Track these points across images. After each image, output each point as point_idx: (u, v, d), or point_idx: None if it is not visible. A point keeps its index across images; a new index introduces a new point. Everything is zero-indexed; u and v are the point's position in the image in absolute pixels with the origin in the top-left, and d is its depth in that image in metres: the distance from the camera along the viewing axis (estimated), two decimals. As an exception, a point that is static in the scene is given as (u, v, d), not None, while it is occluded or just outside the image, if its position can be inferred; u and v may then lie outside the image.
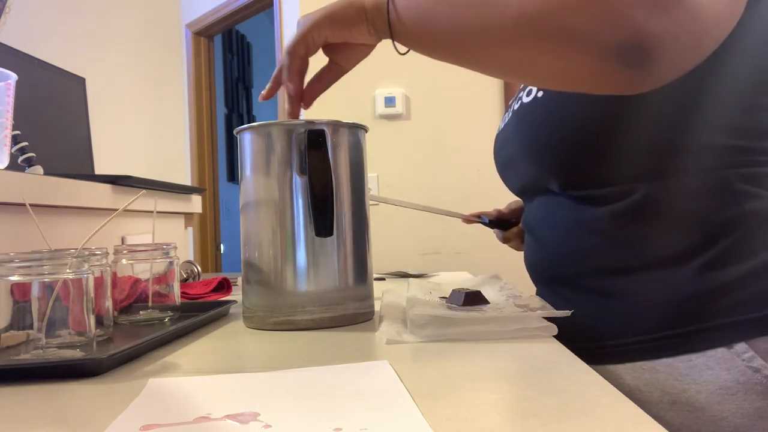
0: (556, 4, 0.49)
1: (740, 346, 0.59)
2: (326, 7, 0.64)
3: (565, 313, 0.59)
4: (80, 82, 1.55)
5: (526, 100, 0.73)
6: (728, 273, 0.62)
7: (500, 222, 1.07)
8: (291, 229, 0.67)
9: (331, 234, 0.66)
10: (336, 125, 0.69)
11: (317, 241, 0.67)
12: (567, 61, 0.52)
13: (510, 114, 0.79)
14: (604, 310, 0.67)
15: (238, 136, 0.72)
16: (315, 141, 0.66)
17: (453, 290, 0.71)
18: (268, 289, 0.68)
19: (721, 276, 0.62)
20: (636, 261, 0.65)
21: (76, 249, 0.54)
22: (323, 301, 0.67)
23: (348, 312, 0.68)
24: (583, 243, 0.70)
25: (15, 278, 0.50)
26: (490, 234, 1.13)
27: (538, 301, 0.66)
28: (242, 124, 0.74)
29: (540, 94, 0.70)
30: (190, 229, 2.47)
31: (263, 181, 0.69)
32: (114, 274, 0.70)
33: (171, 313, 0.73)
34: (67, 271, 0.51)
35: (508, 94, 2.27)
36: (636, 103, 0.59)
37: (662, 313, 0.64)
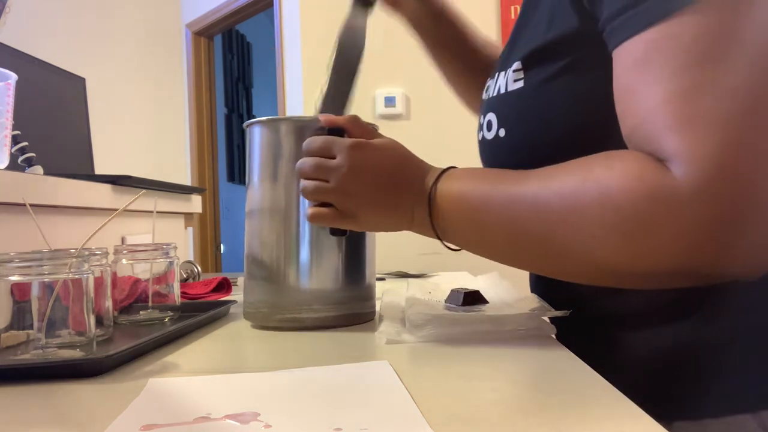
0: (603, 248, 0.46)
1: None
2: (374, 214, 0.60)
3: (564, 312, 0.58)
4: (80, 82, 1.55)
5: (488, 135, 0.65)
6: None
7: None
8: (302, 227, 0.66)
9: (345, 234, 0.65)
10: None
11: (326, 240, 0.66)
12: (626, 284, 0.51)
13: (478, 135, 0.70)
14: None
15: (247, 129, 0.70)
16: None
17: (452, 290, 0.71)
18: (274, 285, 0.67)
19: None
20: (636, 308, 0.58)
21: (76, 249, 0.54)
22: (329, 300, 0.66)
23: (353, 311, 0.68)
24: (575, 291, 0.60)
25: (15, 278, 0.50)
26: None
27: (536, 301, 0.66)
28: (242, 124, 0.74)
29: (502, 133, 0.63)
30: (190, 229, 2.47)
31: (273, 176, 0.68)
32: (114, 274, 0.70)
33: (171, 313, 0.73)
34: (67, 271, 0.51)
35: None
36: (607, 144, 0.51)
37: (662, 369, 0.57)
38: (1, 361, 0.49)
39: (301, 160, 0.61)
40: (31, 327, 0.50)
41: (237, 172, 5.27)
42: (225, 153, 5.00)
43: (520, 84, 0.60)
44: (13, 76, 0.93)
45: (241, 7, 3.26)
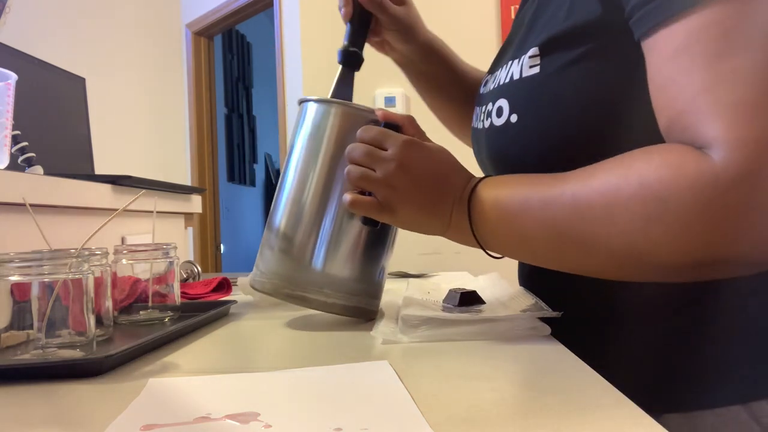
0: (647, 240, 0.45)
1: (759, 405, 0.52)
2: (413, 211, 0.60)
3: (557, 313, 0.57)
4: (80, 82, 1.55)
5: (497, 122, 0.64)
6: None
7: None
8: (330, 211, 0.66)
9: (377, 226, 0.65)
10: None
11: (350, 229, 0.66)
12: (646, 276, 0.51)
13: (481, 124, 0.71)
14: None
15: (302, 105, 0.70)
16: None
17: (449, 291, 0.71)
18: (291, 261, 0.67)
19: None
20: (632, 304, 0.59)
21: (76, 249, 0.54)
22: (341, 288, 0.66)
23: (360, 305, 0.68)
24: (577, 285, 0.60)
25: (15, 278, 0.50)
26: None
27: (531, 301, 0.66)
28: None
29: (513, 118, 0.62)
30: (190, 229, 2.46)
31: (315, 155, 0.67)
32: (114, 274, 0.70)
33: (171, 313, 0.73)
34: (67, 271, 0.51)
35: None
36: (620, 132, 0.54)
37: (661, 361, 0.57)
38: (1, 361, 0.49)
39: (352, 145, 0.62)
40: (31, 327, 0.50)
41: (237, 172, 5.27)
42: (225, 153, 5.00)
43: (536, 70, 0.59)
44: (13, 76, 0.94)
45: (241, 7, 3.26)
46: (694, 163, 0.43)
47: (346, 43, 0.75)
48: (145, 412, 0.39)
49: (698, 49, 0.44)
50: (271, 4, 2.94)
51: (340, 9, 0.76)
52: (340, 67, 0.74)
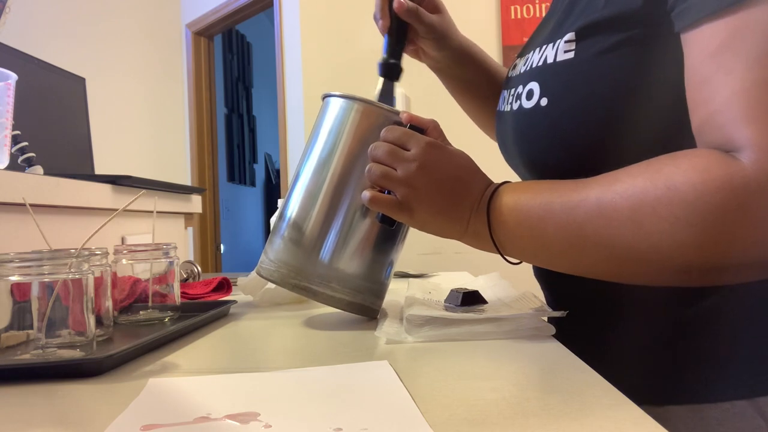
0: (673, 243, 0.45)
1: (765, 401, 0.52)
2: (431, 213, 0.60)
3: (562, 313, 0.58)
4: (80, 82, 1.55)
5: (526, 104, 0.64)
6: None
7: None
8: (350, 207, 0.66)
9: (393, 225, 0.65)
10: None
11: (362, 226, 0.66)
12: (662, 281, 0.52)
13: (509, 107, 0.69)
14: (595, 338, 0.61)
15: (325, 99, 0.71)
16: None
17: (451, 290, 0.71)
18: (302, 252, 0.66)
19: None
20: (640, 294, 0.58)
21: (76, 249, 0.54)
22: (347, 284, 0.66)
23: (364, 303, 0.67)
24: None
25: (15, 278, 0.50)
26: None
27: (536, 302, 0.66)
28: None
29: (544, 102, 0.61)
30: (190, 229, 2.46)
31: (336, 150, 0.67)
32: (114, 274, 0.70)
33: (171, 313, 0.73)
34: (67, 271, 0.51)
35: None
36: (647, 120, 0.55)
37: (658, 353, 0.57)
38: (1, 361, 0.49)
39: (375, 144, 0.62)
40: (31, 327, 0.50)
41: (237, 172, 5.27)
42: (225, 153, 5.00)
43: (570, 55, 0.59)
44: (13, 76, 0.93)
45: (241, 7, 3.26)
46: (724, 167, 0.43)
47: (385, 55, 0.76)
48: (145, 412, 0.39)
49: (741, 48, 0.44)
50: (271, 4, 2.94)
51: (376, 21, 0.76)
52: (381, 79, 0.75)
